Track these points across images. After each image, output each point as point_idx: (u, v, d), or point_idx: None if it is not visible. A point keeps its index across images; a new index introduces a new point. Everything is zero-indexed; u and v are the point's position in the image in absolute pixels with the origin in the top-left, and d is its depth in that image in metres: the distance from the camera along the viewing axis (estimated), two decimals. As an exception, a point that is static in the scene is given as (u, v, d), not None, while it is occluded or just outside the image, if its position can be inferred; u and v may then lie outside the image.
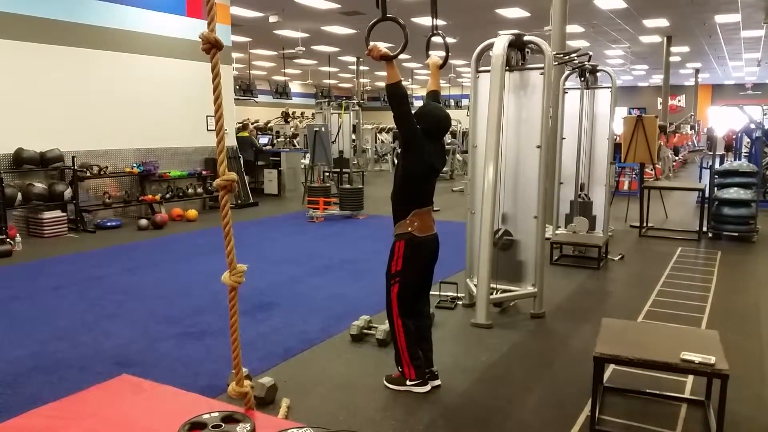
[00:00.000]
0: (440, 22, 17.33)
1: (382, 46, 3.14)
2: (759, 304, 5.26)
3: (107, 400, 2.76)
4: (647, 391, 3.42)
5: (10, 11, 7.84)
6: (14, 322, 4.61)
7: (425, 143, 3.29)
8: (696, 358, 2.75)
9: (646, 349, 2.92)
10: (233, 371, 2.17)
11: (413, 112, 3.30)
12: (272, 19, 14.66)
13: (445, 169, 17.04)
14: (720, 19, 15.13)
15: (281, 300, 5.17)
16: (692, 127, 24.75)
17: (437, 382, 3.49)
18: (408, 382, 3.42)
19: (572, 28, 15.40)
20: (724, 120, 18.50)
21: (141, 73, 9.55)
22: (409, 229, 3.33)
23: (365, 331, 4.23)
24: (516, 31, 4.94)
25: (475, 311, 4.62)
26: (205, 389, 3.33)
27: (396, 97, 3.17)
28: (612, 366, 3.64)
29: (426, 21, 14.30)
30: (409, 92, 29.29)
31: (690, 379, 3.57)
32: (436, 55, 3.79)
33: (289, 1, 13.19)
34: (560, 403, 3.34)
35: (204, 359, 3.87)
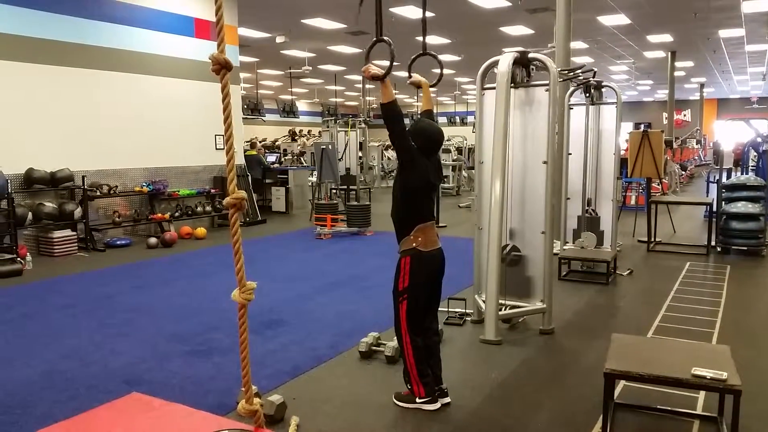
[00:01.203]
0: (445, 41, 17.54)
1: (373, 68, 3.19)
2: (770, 318, 5.22)
3: (117, 418, 2.77)
4: (659, 407, 3.39)
5: (23, 34, 7.97)
6: (25, 340, 4.64)
7: (421, 159, 3.33)
8: (708, 373, 2.73)
9: (656, 364, 2.91)
10: (243, 389, 2.17)
11: (407, 129, 3.34)
12: (279, 39, 14.84)
13: (451, 185, 17.16)
14: (724, 33, 15.19)
15: (290, 317, 5.17)
16: (698, 142, 24.71)
17: (447, 400, 3.48)
18: (417, 400, 3.41)
19: (576, 45, 15.52)
20: (729, 134, 18.46)
21: (150, 94, 9.66)
22: (414, 244, 3.34)
23: (374, 348, 4.22)
24: (521, 49, 4.99)
25: (484, 327, 4.61)
26: (214, 407, 3.33)
27: (391, 116, 3.20)
28: (623, 382, 3.62)
29: (433, 39, 14.48)
30: (414, 110, 29.48)
31: (702, 394, 3.54)
32: (419, 75, 3.76)
33: (296, 22, 13.36)
34: (571, 420, 3.32)
35: (213, 377, 3.87)
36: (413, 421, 3.30)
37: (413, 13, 12.29)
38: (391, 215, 3.44)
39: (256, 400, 2.17)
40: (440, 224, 10.62)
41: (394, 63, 3.12)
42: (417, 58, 3.75)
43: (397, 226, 3.41)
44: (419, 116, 3.69)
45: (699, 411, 3.39)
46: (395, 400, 3.49)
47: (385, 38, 3.22)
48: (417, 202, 3.36)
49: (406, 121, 3.55)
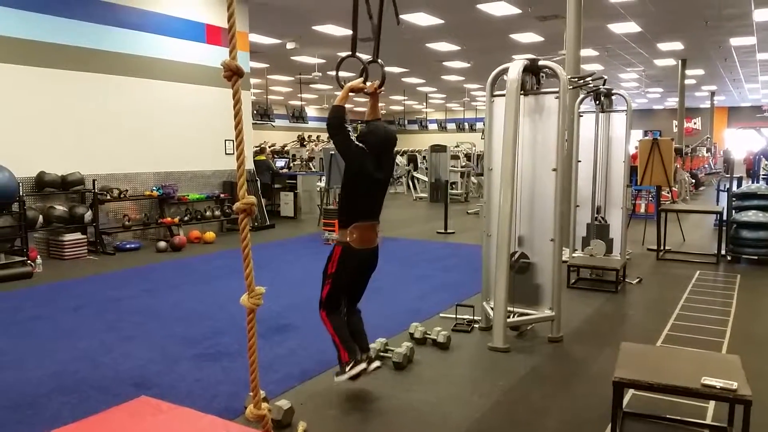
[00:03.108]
0: (455, 48, 17.58)
1: (353, 82, 3.51)
2: (781, 328, 5.17)
3: (127, 421, 2.79)
4: (668, 416, 3.37)
5: (36, 39, 8.07)
6: (35, 342, 4.67)
7: (365, 158, 3.50)
8: (717, 383, 2.71)
9: (666, 373, 2.89)
10: (251, 393, 2.18)
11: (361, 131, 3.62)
12: (289, 45, 14.92)
13: (459, 191, 17.14)
14: (735, 41, 15.13)
15: (298, 322, 5.18)
16: (708, 150, 24.58)
17: (377, 363, 3.62)
18: (346, 368, 3.52)
19: (586, 52, 15.50)
20: (740, 142, 18.36)
21: (161, 99, 9.74)
22: (348, 239, 3.51)
23: (382, 354, 4.22)
24: (531, 56, 4.99)
25: (492, 335, 4.60)
26: (222, 411, 3.34)
27: (339, 117, 3.52)
28: (631, 391, 3.60)
29: (443, 46, 14.48)
30: (423, 116, 29.52)
31: (711, 404, 3.51)
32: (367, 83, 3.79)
33: (306, 28, 13.44)
34: (579, 429, 3.30)
35: (221, 381, 3.88)
36: (421, 427, 3.30)
37: (423, 20, 12.34)
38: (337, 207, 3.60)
39: (264, 404, 2.18)
40: (449, 230, 10.62)
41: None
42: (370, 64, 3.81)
43: (338, 217, 3.63)
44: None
45: (708, 421, 3.37)
46: (335, 378, 3.61)
47: (361, 57, 3.55)
48: (356, 201, 3.56)
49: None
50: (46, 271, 7.34)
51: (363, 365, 3.51)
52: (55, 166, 8.22)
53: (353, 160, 3.51)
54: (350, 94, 3.54)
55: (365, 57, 3.65)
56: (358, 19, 3.55)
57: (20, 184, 7.45)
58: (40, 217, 7.85)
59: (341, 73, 3.79)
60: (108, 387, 3.77)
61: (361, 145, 3.53)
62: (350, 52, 3.65)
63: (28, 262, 7.21)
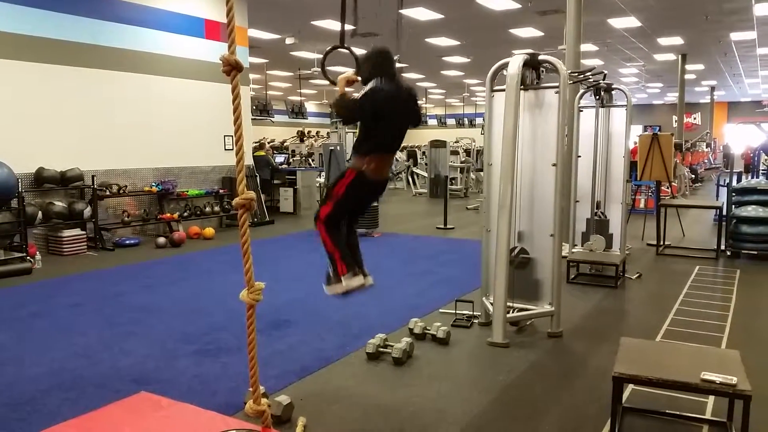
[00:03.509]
0: (455, 42, 17.56)
1: (346, 74, 3.48)
2: (781, 323, 5.18)
3: (126, 417, 2.79)
4: (667, 411, 3.37)
5: (34, 34, 8.04)
6: (34, 339, 4.67)
7: (382, 100, 3.43)
8: (717, 378, 2.71)
9: (665, 368, 2.89)
10: (250, 389, 2.18)
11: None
12: (289, 40, 14.89)
13: (459, 187, 17.13)
14: (735, 36, 15.10)
15: (297, 318, 5.18)
16: (708, 145, 24.57)
17: (371, 280, 3.61)
18: (344, 279, 3.50)
19: (586, 47, 15.46)
20: (740, 137, 18.36)
21: (160, 94, 9.71)
22: (364, 167, 3.44)
23: (381, 349, 4.22)
24: (531, 51, 4.97)
25: (492, 330, 4.60)
26: (222, 407, 3.34)
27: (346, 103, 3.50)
28: (631, 386, 3.60)
29: (442, 41, 14.45)
30: (422, 111, 29.48)
31: (711, 399, 3.51)
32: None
33: (306, 23, 13.40)
34: (579, 424, 3.30)
35: (221, 377, 3.88)
36: (421, 423, 3.30)
37: (424, 15, 12.30)
38: (353, 147, 3.60)
39: (264, 400, 2.18)
40: (448, 226, 10.61)
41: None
42: (332, 51, 3.89)
43: (355, 147, 3.54)
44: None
45: (708, 416, 3.37)
46: (326, 290, 3.63)
47: (351, 48, 3.56)
48: (377, 134, 3.45)
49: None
50: (45, 267, 7.33)
51: (362, 278, 3.52)
52: (54, 162, 8.21)
53: (370, 104, 3.41)
54: (346, 89, 3.52)
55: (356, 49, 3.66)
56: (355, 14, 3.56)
57: (19, 180, 7.44)
58: (39, 213, 7.84)
59: (331, 68, 3.80)
60: (107, 383, 3.77)
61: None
62: (338, 44, 3.71)
63: (28, 258, 7.21)
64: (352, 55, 3.62)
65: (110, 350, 4.38)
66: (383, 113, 3.38)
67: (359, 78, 3.56)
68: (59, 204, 8.12)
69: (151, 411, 2.88)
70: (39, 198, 8.09)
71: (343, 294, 3.53)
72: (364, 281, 3.54)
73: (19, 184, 7.43)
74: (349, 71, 3.57)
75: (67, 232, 8.16)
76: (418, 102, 3.82)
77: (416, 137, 29.75)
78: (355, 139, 3.63)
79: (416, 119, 3.69)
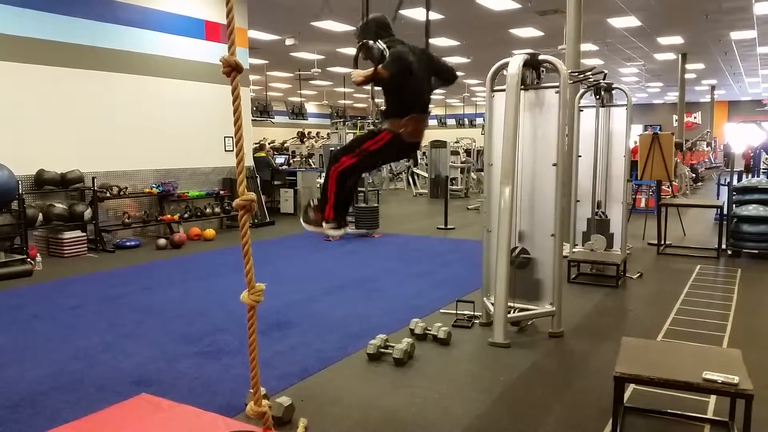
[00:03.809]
0: (455, 43, 17.58)
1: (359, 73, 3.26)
2: (782, 322, 5.17)
3: (127, 419, 2.79)
4: (669, 411, 3.37)
5: (35, 36, 8.04)
6: (34, 341, 4.66)
7: (409, 58, 3.32)
8: (719, 377, 2.71)
9: (667, 368, 2.89)
10: (251, 391, 2.18)
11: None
12: (289, 41, 14.89)
13: (459, 187, 17.13)
14: (735, 35, 15.09)
15: (298, 319, 5.17)
16: (708, 144, 24.55)
17: (347, 230, 3.70)
18: (325, 224, 3.54)
19: (586, 47, 15.47)
20: (740, 136, 18.35)
21: (160, 96, 9.72)
22: (401, 130, 3.36)
23: (382, 350, 4.22)
24: (531, 51, 4.97)
25: (493, 330, 4.60)
26: (222, 409, 3.34)
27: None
28: (632, 385, 3.59)
29: (442, 42, 14.43)
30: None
31: (713, 399, 3.51)
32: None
33: (306, 24, 13.41)
34: (580, 424, 3.30)
35: (222, 378, 3.88)
36: (422, 423, 3.29)
37: (423, 15, 12.29)
38: (383, 114, 3.47)
39: (265, 401, 2.18)
40: (449, 226, 10.61)
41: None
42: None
43: (389, 110, 3.41)
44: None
45: (710, 415, 3.37)
46: (304, 225, 3.65)
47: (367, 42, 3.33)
48: (411, 94, 3.38)
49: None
50: (46, 269, 7.33)
51: (341, 231, 3.62)
52: (54, 164, 8.21)
53: (403, 57, 3.28)
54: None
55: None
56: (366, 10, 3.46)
57: (20, 182, 7.44)
58: (40, 215, 7.84)
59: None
60: (108, 385, 3.77)
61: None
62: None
63: (28, 260, 7.21)
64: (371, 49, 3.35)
65: (111, 352, 4.38)
66: (414, 68, 3.33)
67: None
68: (60, 206, 8.12)
69: (152, 413, 2.88)
70: (39, 200, 8.09)
71: (313, 232, 3.63)
72: (342, 231, 3.64)
73: (20, 186, 7.43)
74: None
75: (67, 234, 8.16)
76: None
77: (416, 138, 29.66)
78: (381, 107, 3.53)
79: (449, 74, 3.65)
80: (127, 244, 8.82)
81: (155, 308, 5.57)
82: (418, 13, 12.06)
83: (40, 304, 5.73)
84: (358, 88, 26.78)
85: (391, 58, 3.25)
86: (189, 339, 4.66)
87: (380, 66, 3.18)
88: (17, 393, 3.65)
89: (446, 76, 3.66)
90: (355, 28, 3.60)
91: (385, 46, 3.30)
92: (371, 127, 14.06)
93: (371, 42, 3.30)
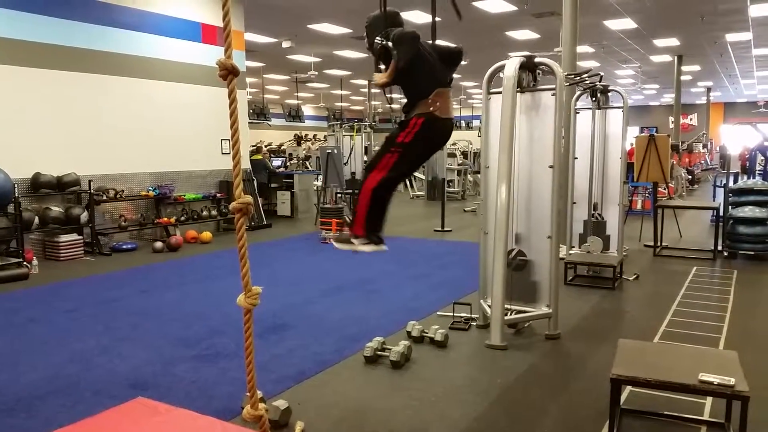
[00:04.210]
0: (451, 45, 17.49)
1: (380, 77, 3.22)
2: (778, 324, 5.18)
3: (123, 423, 2.77)
4: (665, 413, 3.37)
5: (31, 39, 8.02)
6: (30, 344, 4.65)
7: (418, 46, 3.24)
8: (715, 379, 2.71)
9: (663, 370, 2.89)
10: (248, 394, 2.17)
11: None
12: (285, 44, 14.89)
13: (456, 189, 17.14)
14: (731, 37, 15.15)
15: (295, 321, 5.17)
16: (704, 146, 24.62)
17: (385, 247, 3.49)
18: (354, 240, 3.40)
19: (582, 49, 15.49)
20: (736, 138, 18.43)
21: (157, 98, 9.70)
22: (431, 108, 3.20)
23: (379, 352, 4.21)
24: (527, 53, 4.98)
25: (490, 332, 4.60)
26: (219, 412, 3.33)
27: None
28: (629, 388, 3.60)
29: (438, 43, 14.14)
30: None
31: (709, 400, 3.51)
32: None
33: (302, 27, 13.41)
34: (577, 426, 3.30)
35: (218, 382, 3.87)
36: (419, 427, 3.29)
37: (419, 17, 12.31)
38: (404, 109, 3.32)
39: (261, 405, 2.17)
40: (446, 228, 10.61)
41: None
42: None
43: (411, 98, 3.25)
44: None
45: (706, 417, 3.37)
46: (334, 243, 3.52)
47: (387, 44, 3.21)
48: (430, 72, 3.25)
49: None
50: (42, 273, 7.31)
51: (374, 246, 3.41)
52: (50, 167, 8.19)
53: (406, 37, 3.16)
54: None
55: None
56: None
57: (16, 186, 7.41)
58: (36, 218, 7.82)
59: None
60: (104, 389, 3.76)
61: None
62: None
63: (24, 263, 7.18)
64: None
65: (107, 355, 4.37)
66: (421, 45, 3.23)
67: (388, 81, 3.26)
68: (56, 209, 8.10)
69: (149, 417, 2.87)
70: (36, 203, 8.07)
71: (348, 250, 3.43)
72: (377, 248, 3.43)
73: (16, 189, 7.41)
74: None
75: (63, 237, 8.14)
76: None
77: (413, 140, 29.68)
78: (411, 94, 3.26)
79: (455, 51, 3.55)
80: (124, 247, 8.80)
81: (151, 311, 5.56)
82: (415, 16, 12.09)
83: (36, 308, 5.72)
84: (355, 90, 26.84)
85: (398, 42, 3.12)
86: (185, 342, 4.65)
87: (395, 58, 3.08)
88: (13, 397, 3.64)
89: (453, 55, 3.52)
90: (367, 23, 3.38)
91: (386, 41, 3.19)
92: (368, 130, 14.08)
93: (388, 43, 3.17)
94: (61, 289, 6.54)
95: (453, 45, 3.63)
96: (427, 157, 3.55)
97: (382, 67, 3.25)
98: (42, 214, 7.94)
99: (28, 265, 7.20)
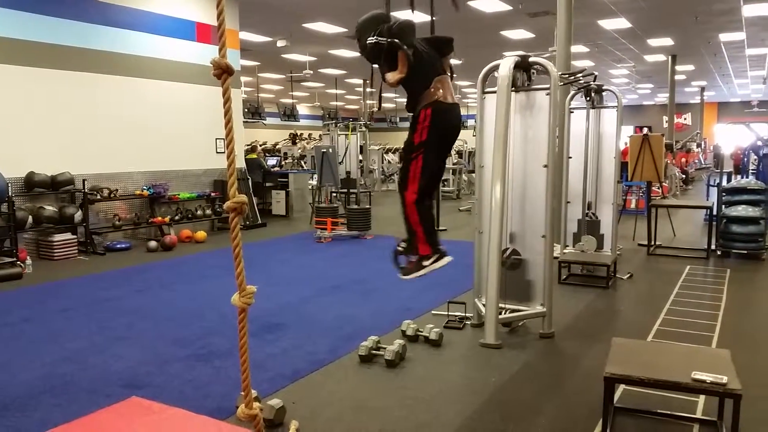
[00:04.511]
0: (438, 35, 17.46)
1: (393, 75, 3.17)
2: (770, 322, 5.22)
3: (117, 422, 2.78)
4: (659, 411, 3.39)
5: (24, 38, 7.99)
6: (24, 344, 4.64)
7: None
8: (707, 377, 2.73)
9: (656, 368, 2.91)
10: (242, 393, 2.17)
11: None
12: (280, 43, 14.86)
13: (451, 188, 17.16)
14: (724, 37, 15.21)
15: (289, 321, 5.17)
16: (698, 145, 24.73)
17: (450, 258, 3.37)
18: (425, 263, 3.26)
19: (577, 49, 15.52)
20: (730, 137, 18.54)
21: (151, 97, 9.68)
22: (435, 97, 3.15)
23: (374, 352, 4.22)
24: (521, 53, 4.99)
25: (484, 331, 4.61)
26: (214, 411, 3.33)
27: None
28: (622, 386, 3.62)
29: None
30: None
31: (702, 398, 3.54)
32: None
33: (297, 26, 13.39)
34: (571, 425, 3.32)
35: (213, 381, 3.87)
36: (413, 424, 3.30)
37: (414, 17, 12.31)
38: (407, 106, 3.26)
39: (256, 404, 2.17)
40: (440, 227, 10.62)
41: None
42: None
43: (414, 92, 3.20)
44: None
45: (699, 415, 3.39)
46: (404, 277, 3.34)
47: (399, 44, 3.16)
48: (427, 66, 3.20)
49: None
50: (36, 272, 7.28)
51: (444, 261, 3.28)
52: (44, 166, 8.16)
53: (414, 35, 3.20)
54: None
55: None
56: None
57: (9, 185, 7.38)
58: (30, 217, 7.79)
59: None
60: (99, 388, 3.75)
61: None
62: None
63: (18, 263, 7.16)
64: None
65: (101, 355, 4.36)
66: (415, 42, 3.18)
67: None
68: (50, 208, 8.07)
69: (143, 416, 2.87)
70: (29, 202, 8.04)
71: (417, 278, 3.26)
72: (446, 260, 3.30)
73: (9, 188, 7.38)
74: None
75: (57, 237, 8.11)
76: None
77: (408, 139, 29.66)
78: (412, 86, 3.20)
79: (444, 40, 3.42)
80: (118, 246, 8.78)
81: (146, 311, 5.55)
82: (405, 15, 12.07)
83: (30, 307, 5.70)
84: (350, 89, 26.80)
85: (401, 34, 3.09)
86: (180, 341, 4.64)
87: (401, 49, 3.05)
88: (7, 396, 3.63)
89: (441, 41, 3.42)
90: (358, 27, 3.30)
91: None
92: (363, 129, 14.08)
93: (384, 40, 3.11)
94: (55, 288, 6.52)
95: (440, 35, 3.51)
96: (448, 148, 3.41)
97: (376, 66, 3.24)
98: (36, 214, 7.91)
99: (22, 265, 7.18)
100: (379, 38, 3.14)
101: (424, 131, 3.15)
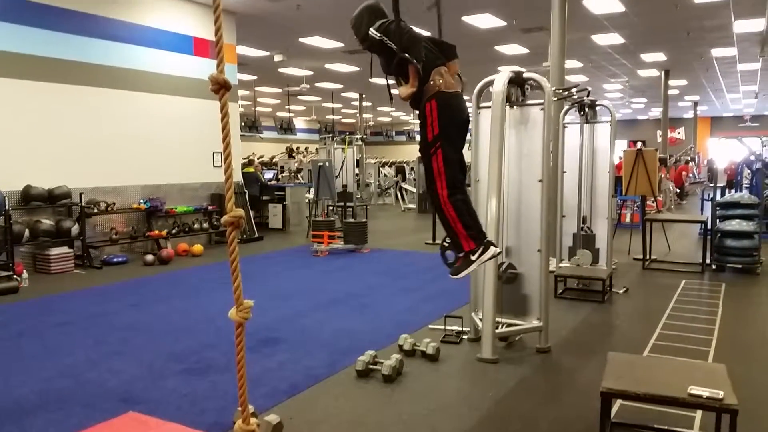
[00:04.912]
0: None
1: (405, 89, 3.21)
2: (766, 336, 5.24)
3: (114, 437, 2.76)
4: (655, 426, 3.39)
5: (22, 52, 8.02)
6: (20, 358, 4.61)
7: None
8: (704, 392, 2.74)
9: (653, 383, 2.91)
10: (239, 408, 2.17)
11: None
12: (277, 58, 14.96)
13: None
14: (716, 52, 15.38)
15: (286, 335, 5.16)
16: (692, 159, 24.88)
17: (498, 249, 3.28)
18: (472, 257, 3.18)
19: (571, 64, 15.68)
20: (723, 152, 18.67)
21: (149, 111, 9.71)
22: (437, 88, 3.16)
23: (371, 366, 4.22)
24: (516, 68, 5.04)
25: (481, 346, 4.61)
26: (211, 426, 3.32)
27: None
28: (619, 401, 3.62)
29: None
30: (410, 127, 29.45)
31: (698, 413, 3.54)
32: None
33: (294, 41, 13.48)
34: (568, 439, 3.31)
35: (210, 396, 3.86)
36: (410, 440, 3.29)
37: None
38: (411, 103, 3.27)
39: (253, 419, 2.17)
40: (437, 241, 10.63)
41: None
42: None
43: (411, 81, 3.19)
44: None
45: (696, 430, 3.40)
46: (454, 277, 3.28)
47: (408, 57, 3.18)
48: (429, 62, 3.20)
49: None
50: (32, 286, 7.26)
51: (495, 248, 3.21)
52: (41, 179, 8.16)
53: (416, 37, 3.24)
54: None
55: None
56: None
57: (6, 198, 7.39)
58: (27, 230, 7.78)
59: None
60: (94, 403, 3.73)
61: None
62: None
63: (14, 276, 7.13)
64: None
65: (97, 370, 4.34)
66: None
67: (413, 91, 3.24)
68: (46, 222, 8.06)
69: (139, 431, 2.86)
70: (26, 216, 8.03)
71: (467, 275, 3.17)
72: (494, 251, 3.21)
73: (6, 201, 7.38)
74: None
75: (54, 250, 8.09)
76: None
77: (405, 153, 29.86)
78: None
79: (446, 44, 3.48)
80: (115, 260, 8.76)
81: (142, 325, 5.53)
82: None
83: (26, 322, 5.67)
84: (347, 103, 26.94)
85: (411, 46, 3.10)
86: (177, 356, 4.63)
87: (413, 65, 3.07)
88: (2, 411, 3.61)
89: (446, 48, 3.45)
90: (354, 17, 3.32)
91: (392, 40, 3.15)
92: (359, 142, 14.13)
93: (390, 43, 3.12)
94: (52, 302, 6.50)
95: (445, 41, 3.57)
96: (463, 135, 3.34)
97: (372, 61, 3.26)
98: (32, 227, 7.90)
99: (18, 279, 7.15)
100: (385, 38, 3.16)
101: (435, 123, 3.14)
